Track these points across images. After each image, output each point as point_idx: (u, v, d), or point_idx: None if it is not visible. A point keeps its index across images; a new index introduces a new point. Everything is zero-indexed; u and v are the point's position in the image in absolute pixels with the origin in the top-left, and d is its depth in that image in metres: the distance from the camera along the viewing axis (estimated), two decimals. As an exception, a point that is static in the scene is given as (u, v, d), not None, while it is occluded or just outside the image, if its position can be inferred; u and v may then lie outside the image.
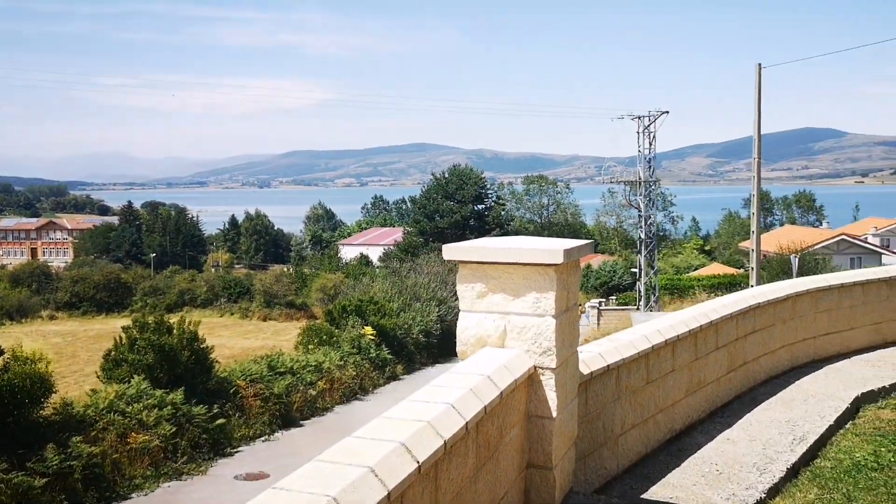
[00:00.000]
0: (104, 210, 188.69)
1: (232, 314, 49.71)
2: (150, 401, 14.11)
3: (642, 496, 5.40)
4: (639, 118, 43.13)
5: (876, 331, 10.15)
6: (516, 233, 65.33)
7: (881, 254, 54.92)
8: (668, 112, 42.77)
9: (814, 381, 8.59)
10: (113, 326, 29.99)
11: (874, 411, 7.77)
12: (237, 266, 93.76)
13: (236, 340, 37.60)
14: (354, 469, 2.63)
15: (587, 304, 39.58)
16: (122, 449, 13.05)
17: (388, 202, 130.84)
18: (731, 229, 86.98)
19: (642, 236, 44.25)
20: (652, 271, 43.59)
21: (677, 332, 6.34)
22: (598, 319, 35.69)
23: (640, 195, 43.82)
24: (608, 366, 5.35)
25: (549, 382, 4.34)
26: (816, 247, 49.06)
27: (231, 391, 16.18)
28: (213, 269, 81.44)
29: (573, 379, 4.73)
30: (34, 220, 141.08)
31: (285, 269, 68.58)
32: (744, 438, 6.65)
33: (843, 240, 54.77)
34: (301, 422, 17.19)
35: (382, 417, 3.17)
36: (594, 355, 5.33)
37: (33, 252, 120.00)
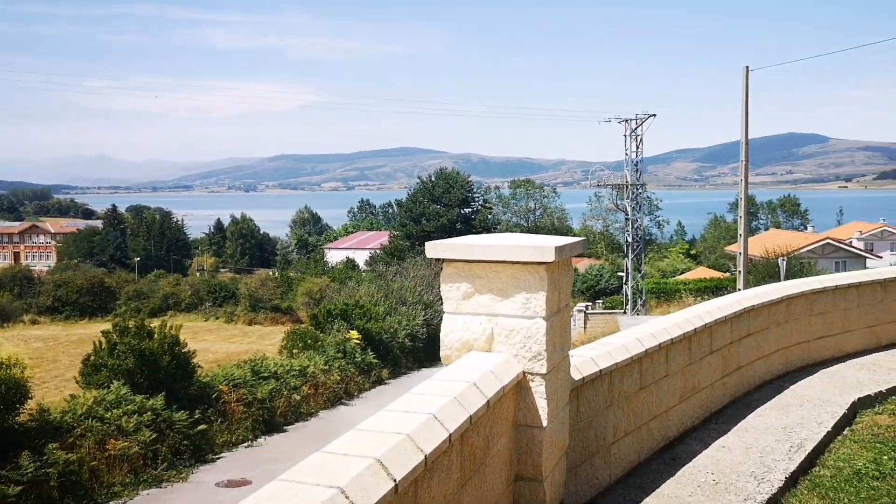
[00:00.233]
0: (88, 214, 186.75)
1: (217, 318, 49.32)
2: (129, 406, 13.89)
3: (636, 508, 5.15)
4: (626, 121, 43.14)
5: (871, 334, 9.96)
6: (503, 236, 65.00)
7: (865, 258, 55.28)
8: (655, 115, 42.77)
9: (809, 386, 8.37)
10: (96, 331, 29.36)
11: (871, 416, 7.56)
12: (222, 270, 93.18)
13: (221, 345, 37.20)
14: (322, 490, 2.34)
15: (574, 308, 39.39)
16: (101, 456, 12.82)
17: (375, 206, 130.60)
18: (716, 233, 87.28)
19: (629, 240, 44.18)
20: (639, 275, 43.49)
21: (671, 335, 6.10)
22: (585, 323, 35.52)
23: (627, 198, 43.75)
24: (601, 371, 5.08)
25: (539, 389, 4.07)
26: (802, 251, 49.22)
27: (213, 396, 15.91)
28: (198, 273, 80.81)
29: (564, 385, 4.46)
30: (17, 223, 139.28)
31: (271, 273, 68.19)
32: (740, 446, 6.40)
33: (828, 244, 55.06)
34: (285, 427, 16.95)
35: (357, 430, 2.88)
36: (586, 360, 5.06)
37: (16, 256, 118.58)
